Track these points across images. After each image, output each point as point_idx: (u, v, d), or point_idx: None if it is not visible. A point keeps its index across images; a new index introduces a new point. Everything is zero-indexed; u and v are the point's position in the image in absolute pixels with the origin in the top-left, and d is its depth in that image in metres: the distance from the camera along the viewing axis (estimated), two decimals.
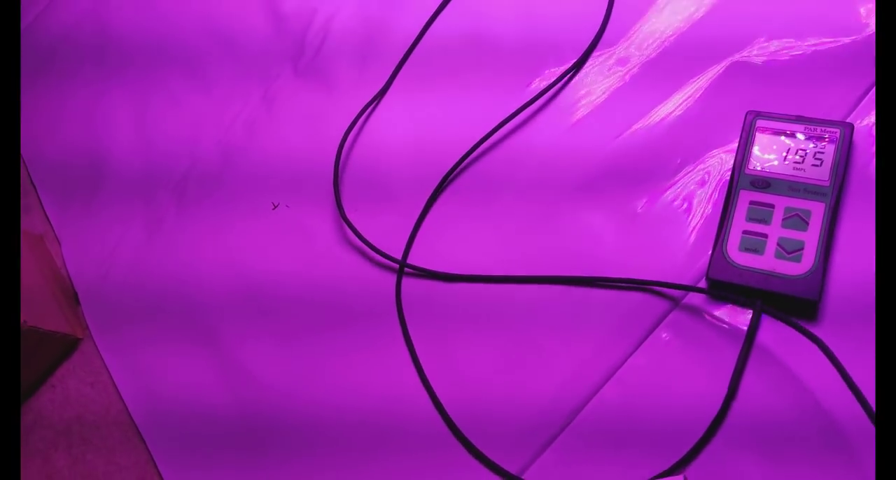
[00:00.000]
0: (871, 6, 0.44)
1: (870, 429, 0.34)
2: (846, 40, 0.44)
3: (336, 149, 0.52)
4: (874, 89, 0.42)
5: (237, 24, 0.62)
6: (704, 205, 0.42)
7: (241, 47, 0.61)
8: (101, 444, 0.48)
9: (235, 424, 0.46)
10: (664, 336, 0.40)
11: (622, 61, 0.49)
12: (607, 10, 0.50)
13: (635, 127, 0.46)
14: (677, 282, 0.40)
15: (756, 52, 0.46)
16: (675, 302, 0.40)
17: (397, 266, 0.47)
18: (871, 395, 0.35)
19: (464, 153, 0.49)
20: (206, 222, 0.54)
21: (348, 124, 0.53)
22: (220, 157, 0.56)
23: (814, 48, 0.44)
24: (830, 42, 0.44)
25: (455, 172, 0.49)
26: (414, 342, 0.44)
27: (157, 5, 0.66)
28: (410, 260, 0.47)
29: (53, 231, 0.58)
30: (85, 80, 0.64)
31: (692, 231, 0.42)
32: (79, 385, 0.51)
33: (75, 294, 0.54)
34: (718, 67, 0.46)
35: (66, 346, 0.52)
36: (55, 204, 0.59)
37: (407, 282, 0.46)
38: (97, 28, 0.67)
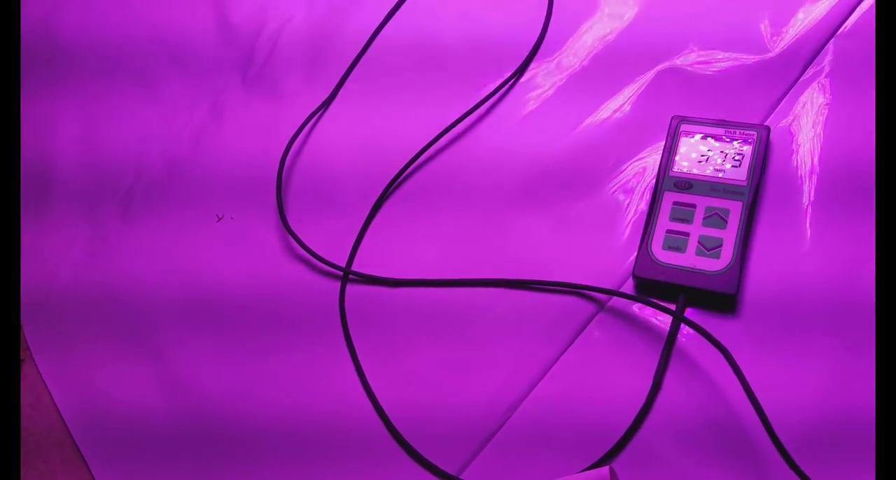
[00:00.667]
0: (773, 28, 0.46)
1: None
2: (759, 54, 0.46)
3: (286, 160, 0.53)
4: (789, 94, 0.44)
5: (187, 35, 0.63)
6: (636, 205, 0.44)
7: (190, 57, 0.61)
8: (43, 467, 0.48)
9: (179, 438, 0.45)
10: (595, 333, 0.41)
11: (561, 68, 0.50)
12: (546, 17, 0.52)
13: (572, 131, 0.48)
14: (609, 280, 0.42)
15: (683, 61, 0.47)
16: (605, 301, 0.42)
17: (341, 273, 0.47)
18: (778, 396, 0.36)
19: (407, 160, 0.50)
20: (152, 235, 0.54)
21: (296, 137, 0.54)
22: (167, 169, 0.56)
23: (734, 58, 0.46)
24: (747, 55, 0.46)
25: (400, 179, 0.50)
26: (356, 347, 0.45)
27: (106, 15, 0.66)
28: (355, 267, 0.47)
29: None
30: (32, 91, 0.64)
31: (624, 230, 0.43)
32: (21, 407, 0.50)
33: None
34: (649, 74, 0.48)
35: None
36: None
37: (351, 289, 0.47)
38: (46, 38, 0.67)
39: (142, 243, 0.53)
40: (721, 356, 0.38)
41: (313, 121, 0.54)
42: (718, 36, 0.47)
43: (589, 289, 0.42)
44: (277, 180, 0.51)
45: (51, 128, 0.61)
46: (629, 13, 0.50)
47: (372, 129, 0.53)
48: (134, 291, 0.51)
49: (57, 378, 0.49)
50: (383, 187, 0.49)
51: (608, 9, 0.51)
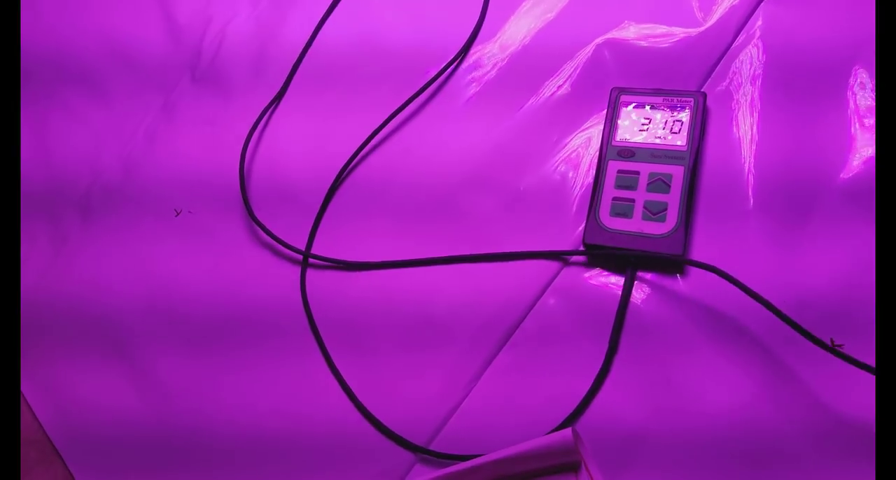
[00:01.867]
0: (703, 1, 0.48)
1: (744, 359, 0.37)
2: (692, 25, 0.48)
3: (239, 153, 0.53)
4: (723, 60, 0.46)
5: (133, 36, 0.62)
6: (583, 176, 0.45)
7: (138, 59, 0.61)
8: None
9: (152, 434, 0.46)
10: (550, 301, 0.42)
11: (503, 48, 0.51)
12: (483, 6, 0.53)
13: (516, 112, 0.49)
14: (561, 246, 0.43)
15: (620, 34, 0.49)
16: (559, 269, 0.43)
17: (301, 259, 0.48)
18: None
19: (357, 147, 0.50)
20: (112, 234, 0.54)
21: (246, 127, 0.54)
22: (123, 170, 0.56)
23: (668, 30, 0.48)
24: (680, 26, 0.48)
25: (352, 166, 0.50)
26: (321, 330, 0.45)
27: (52, 21, 0.66)
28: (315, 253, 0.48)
29: None
30: None
31: (573, 201, 0.45)
32: None
33: None
34: (588, 49, 0.49)
35: None
36: None
37: (312, 275, 0.48)
38: None
39: (102, 242, 0.53)
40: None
41: (266, 115, 0.55)
42: (652, 10, 0.49)
43: (542, 256, 0.43)
44: (240, 171, 0.51)
45: None
46: None
47: (321, 121, 0.53)
48: (97, 291, 0.51)
49: (27, 377, 0.49)
50: (335, 175, 0.50)
51: None
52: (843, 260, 0.39)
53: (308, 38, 0.57)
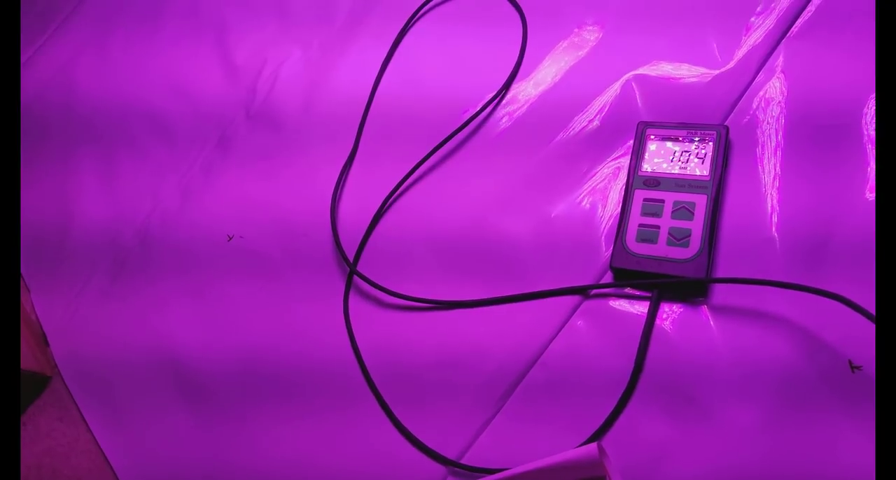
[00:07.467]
0: (728, 39, 0.51)
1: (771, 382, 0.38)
2: (716, 62, 0.50)
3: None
4: (746, 94, 0.48)
5: (194, 77, 0.68)
6: (611, 204, 0.47)
7: (198, 98, 0.66)
8: (71, 473, 0.51)
9: (203, 452, 0.48)
10: (579, 323, 0.44)
11: (535, 87, 0.54)
12: (522, 46, 0.57)
13: (548, 145, 0.51)
14: (589, 272, 0.45)
15: (647, 72, 0.52)
16: (587, 293, 0.45)
17: (345, 281, 0.51)
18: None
19: (400, 179, 0.54)
20: (167, 259, 0.58)
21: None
22: (180, 199, 0.61)
23: (694, 67, 0.50)
24: (705, 64, 0.50)
25: (398, 192, 0.54)
26: (360, 348, 0.48)
27: (120, 63, 0.72)
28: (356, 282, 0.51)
29: (22, 277, 0.61)
30: (54, 133, 0.69)
31: (601, 227, 0.47)
32: (48, 420, 0.54)
33: (44, 335, 0.57)
34: (616, 85, 0.52)
35: (36, 384, 0.55)
36: (24, 251, 0.62)
37: (354, 297, 0.50)
38: (65, 87, 0.73)
39: (158, 266, 0.57)
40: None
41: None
42: (678, 50, 0.51)
43: (571, 292, 0.45)
44: (331, 212, 0.55)
45: (73, 168, 0.66)
46: (595, 36, 0.55)
47: (369, 154, 0.57)
48: (152, 312, 0.55)
49: (83, 391, 0.53)
50: (380, 203, 0.53)
51: (577, 31, 0.56)
52: (861, 286, 0.40)
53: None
